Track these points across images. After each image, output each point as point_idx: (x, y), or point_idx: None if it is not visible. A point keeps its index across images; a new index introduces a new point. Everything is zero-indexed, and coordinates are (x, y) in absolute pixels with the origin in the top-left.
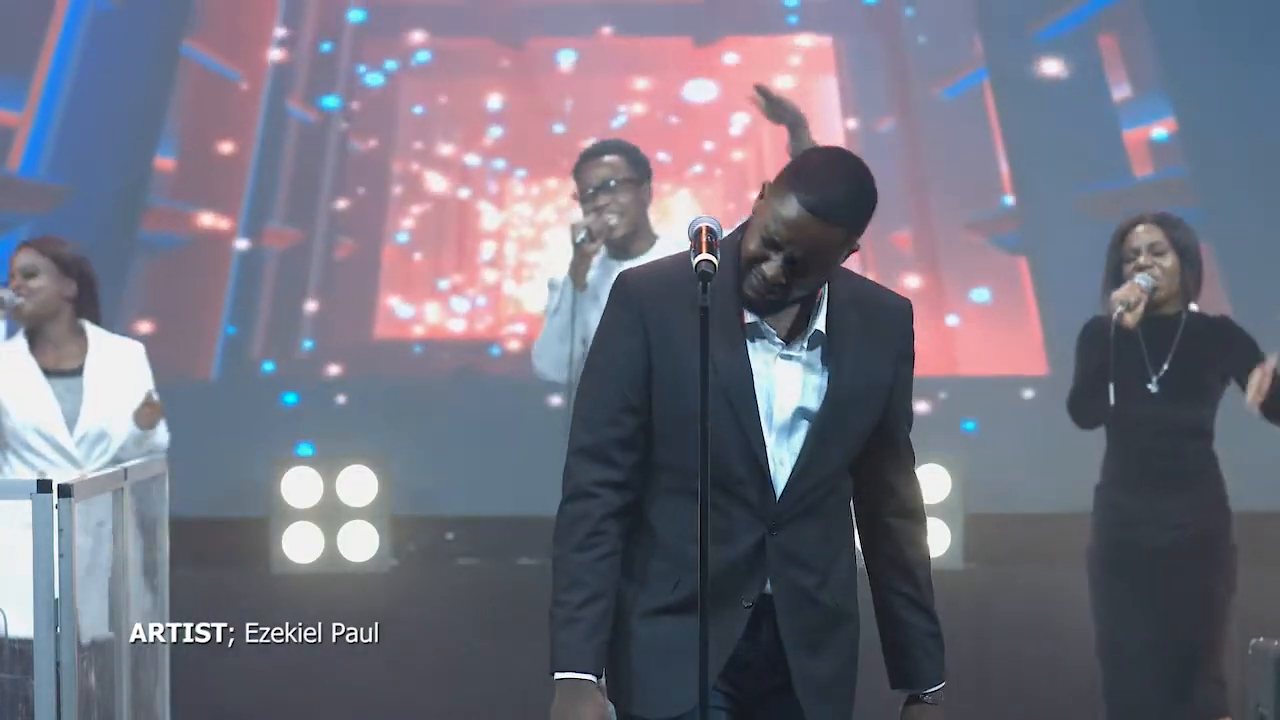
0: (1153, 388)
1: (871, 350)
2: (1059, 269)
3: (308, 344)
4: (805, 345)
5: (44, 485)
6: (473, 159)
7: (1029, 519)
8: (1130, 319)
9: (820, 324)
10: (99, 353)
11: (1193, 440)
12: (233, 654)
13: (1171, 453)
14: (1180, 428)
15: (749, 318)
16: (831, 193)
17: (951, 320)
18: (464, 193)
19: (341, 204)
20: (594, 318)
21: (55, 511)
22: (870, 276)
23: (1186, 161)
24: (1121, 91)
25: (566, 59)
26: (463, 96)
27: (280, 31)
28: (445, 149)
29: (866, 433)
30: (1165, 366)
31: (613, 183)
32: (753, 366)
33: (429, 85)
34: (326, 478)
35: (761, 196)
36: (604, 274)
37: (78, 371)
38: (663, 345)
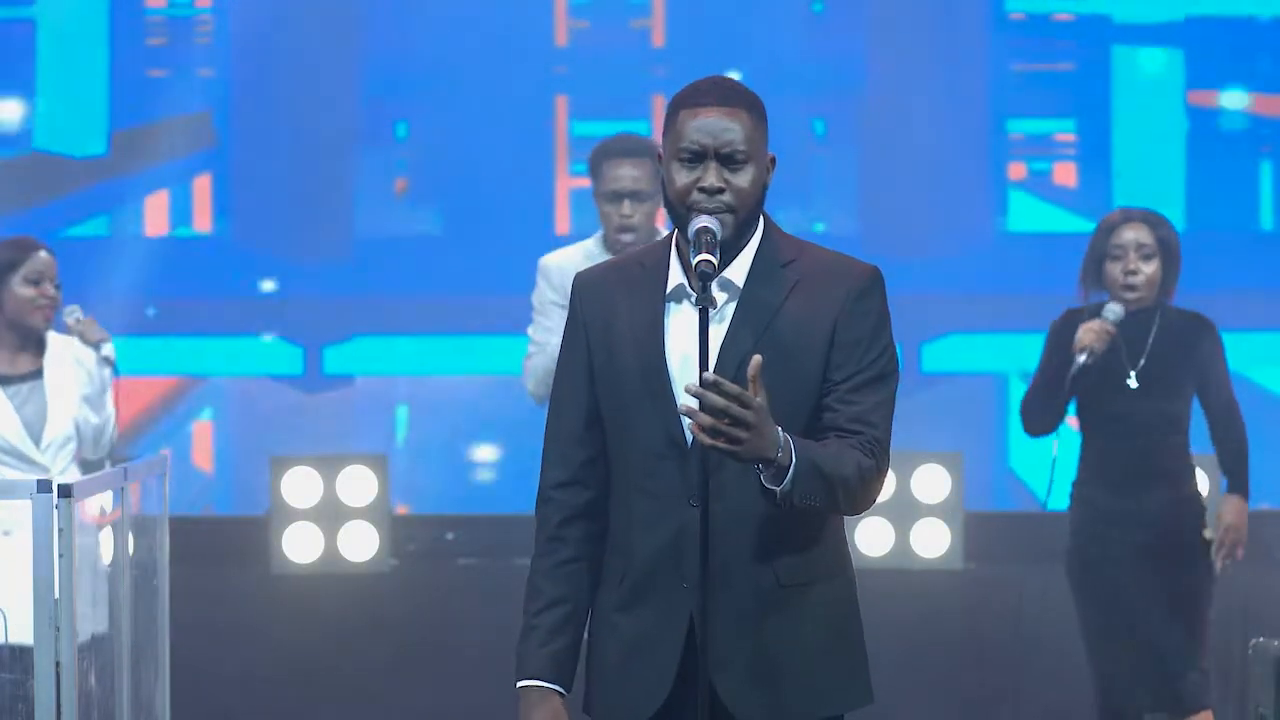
0: (1131, 383)
1: (805, 312)
2: None
3: None
4: (721, 303)
5: (44, 485)
6: None
7: (1029, 519)
8: (1090, 362)
9: (738, 276)
10: (53, 351)
11: (1169, 435)
12: (233, 654)
13: (1149, 449)
14: (1158, 423)
15: (673, 281)
16: (712, 86)
17: None
18: None
19: None
20: None
21: (55, 512)
22: None
23: None
24: None
25: None
26: None
27: None
28: None
29: (798, 397)
30: (1142, 362)
31: (645, 189)
32: (673, 332)
33: None
34: (326, 478)
35: (660, 159)
36: None
37: (37, 374)
38: (600, 338)
